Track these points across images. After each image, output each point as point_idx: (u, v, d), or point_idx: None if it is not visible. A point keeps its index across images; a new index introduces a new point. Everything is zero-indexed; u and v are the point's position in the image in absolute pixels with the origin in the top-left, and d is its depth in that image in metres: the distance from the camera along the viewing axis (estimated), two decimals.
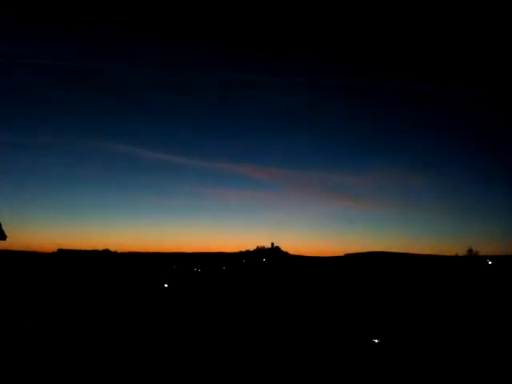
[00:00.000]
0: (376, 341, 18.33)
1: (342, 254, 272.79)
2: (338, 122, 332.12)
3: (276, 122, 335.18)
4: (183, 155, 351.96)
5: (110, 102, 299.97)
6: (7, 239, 24.88)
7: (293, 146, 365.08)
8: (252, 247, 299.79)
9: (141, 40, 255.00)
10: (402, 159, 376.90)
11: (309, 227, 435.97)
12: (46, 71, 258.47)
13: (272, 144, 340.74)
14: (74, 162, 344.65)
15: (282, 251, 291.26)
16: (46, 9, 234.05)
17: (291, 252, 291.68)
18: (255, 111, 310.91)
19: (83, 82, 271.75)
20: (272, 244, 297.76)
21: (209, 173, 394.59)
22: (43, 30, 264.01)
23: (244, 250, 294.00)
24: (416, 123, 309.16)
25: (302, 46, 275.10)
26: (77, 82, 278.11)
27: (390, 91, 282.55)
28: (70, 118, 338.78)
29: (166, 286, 50.43)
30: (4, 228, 24.68)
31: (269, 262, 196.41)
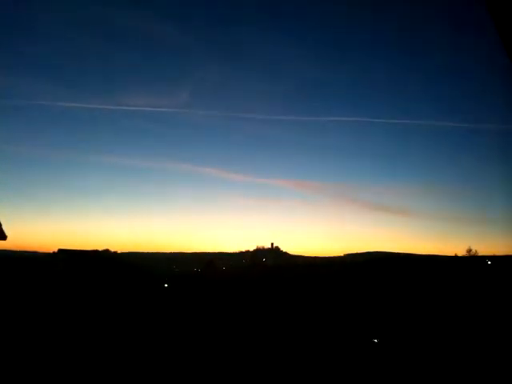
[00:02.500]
0: (375, 340, 18.36)
1: (341, 254, 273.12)
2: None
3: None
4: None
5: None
6: (7, 239, 24.87)
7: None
8: (252, 247, 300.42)
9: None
10: (404, 172, 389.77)
11: (308, 228, 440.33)
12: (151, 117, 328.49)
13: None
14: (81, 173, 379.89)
15: (281, 251, 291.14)
16: (149, 65, 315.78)
17: (291, 252, 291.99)
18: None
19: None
20: (272, 244, 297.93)
21: (210, 181, 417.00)
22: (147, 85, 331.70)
23: (244, 250, 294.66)
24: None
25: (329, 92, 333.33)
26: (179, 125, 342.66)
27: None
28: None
29: (165, 285, 50.39)
30: (4, 228, 24.66)
31: (268, 262, 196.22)
